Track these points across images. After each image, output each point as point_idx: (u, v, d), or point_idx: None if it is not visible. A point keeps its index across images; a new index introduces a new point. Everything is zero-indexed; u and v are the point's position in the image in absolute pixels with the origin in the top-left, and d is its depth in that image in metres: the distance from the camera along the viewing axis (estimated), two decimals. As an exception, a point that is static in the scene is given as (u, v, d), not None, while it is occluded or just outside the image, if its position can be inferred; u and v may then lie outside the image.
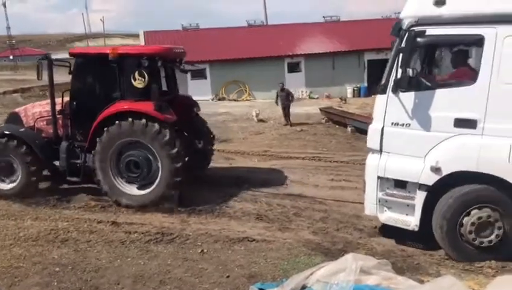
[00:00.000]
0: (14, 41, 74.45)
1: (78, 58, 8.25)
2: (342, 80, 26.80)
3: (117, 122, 7.48)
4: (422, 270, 5.23)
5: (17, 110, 9.16)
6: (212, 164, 10.45)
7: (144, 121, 7.38)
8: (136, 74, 7.65)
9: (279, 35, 28.64)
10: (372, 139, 5.89)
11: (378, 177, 5.80)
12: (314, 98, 26.58)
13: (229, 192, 8.44)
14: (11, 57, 69.18)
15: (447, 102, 5.39)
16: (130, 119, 7.42)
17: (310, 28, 29.79)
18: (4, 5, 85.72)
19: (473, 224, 5.27)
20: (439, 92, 5.45)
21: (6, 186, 8.25)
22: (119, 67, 7.78)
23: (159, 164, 7.54)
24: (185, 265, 5.51)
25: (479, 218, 5.26)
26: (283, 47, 27.95)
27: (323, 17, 31.37)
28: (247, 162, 11.08)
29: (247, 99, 26.90)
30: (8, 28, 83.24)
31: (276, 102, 17.98)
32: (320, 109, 19.00)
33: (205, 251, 5.89)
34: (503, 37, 5.05)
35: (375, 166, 5.82)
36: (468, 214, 5.31)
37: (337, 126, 16.42)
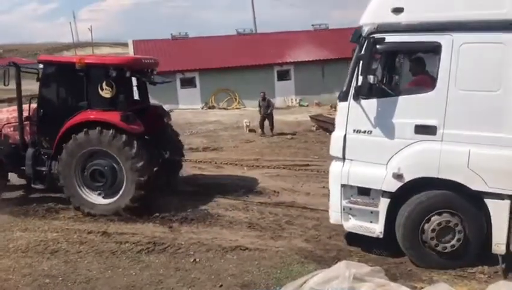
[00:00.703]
0: (1, 51, 73.75)
1: (46, 66, 8.20)
2: (331, 88, 26.79)
3: (81, 132, 7.50)
4: (415, 276, 5.25)
5: None
6: (203, 173, 10.43)
7: (110, 131, 7.43)
8: (104, 84, 7.69)
9: (268, 43, 28.76)
10: (334, 146, 5.89)
11: (342, 185, 5.79)
12: (304, 106, 26.67)
13: (221, 201, 8.41)
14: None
15: (407, 109, 5.44)
16: (96, 128, 7.45)
17: (299, 36, 29.96)
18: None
19: (433, 230, 5.32)
20: (400, 99, 5.50)
21: None
22: (86, 77, 7.79)
23: (124, 174, 7.55)
24: (177, 275, 5.47)
25: (439, 224, 5.31)
26: (272, 55, 28.06)
27: (312, 25, 31.62)
28: (238, 171, 11.05)
29: (237, 108, 26.91)
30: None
31: (260, 111, 17.67)
32: (311, 117, 19.07)
33: (197, 260, 5.86)
34: (459, 44, 5.13)
35: (338, 174, 5.81)
36: (429, 220, 5.36)
37: (327, 133, 16.41)
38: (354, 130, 5.68)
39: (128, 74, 7.92)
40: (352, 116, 5.66)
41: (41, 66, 8.17)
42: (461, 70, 5.13)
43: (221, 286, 5.17)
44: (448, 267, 5.39)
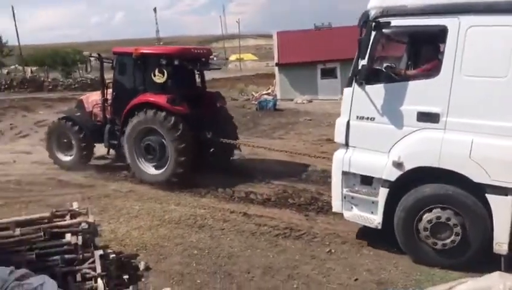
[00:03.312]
0: (161, 43, 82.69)
1: (116, 56, 9.85)
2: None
3: (138, 112, 8.91)
4: None
5: (82, 97, 11.11)
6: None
7: (156, 111, 8.68)
8: (156, 70, 8.96)
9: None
10: (338, 133, 5.78)
11: (344, 173, 5.71)
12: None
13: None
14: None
15: (410, 95, 5.22)
16: (146, 109, 8.79)
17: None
18: (154, 10, 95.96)
19: (428, 225, 5.16)
20: (404, 85, 5.29)
21: (65, 158, 10.33)
22: (143, 65, 9.20)
23: (169, 148, 8.70)
24: (312, 263, 5.56)
25: (436, 219, 5.13)
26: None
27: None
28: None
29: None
30: (157, 31, 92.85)
31: None
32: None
33: (333, 251, 5.86)
34: (466, 28, 4.85)
35: (340, 161, 5.73)
36: (425, 214, 5.19)
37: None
38: (358, 117, 5.58)
39: (176, 62, 8.87)
40: (356, 102, 5.57)
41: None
42: (467, 55, 4.86)
43: (356, 279, 5.11)
44: (445, 265, 5.18)
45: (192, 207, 7.61)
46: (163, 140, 8.82)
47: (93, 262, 4.77)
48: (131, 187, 8.92)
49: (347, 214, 5.87)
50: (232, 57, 75.85)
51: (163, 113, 8.63)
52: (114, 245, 5.93)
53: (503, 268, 4.93)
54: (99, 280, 4.50)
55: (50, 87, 32.06)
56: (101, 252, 4.98)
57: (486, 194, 4.84)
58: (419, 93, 5.22)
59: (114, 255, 5.14)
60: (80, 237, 5.04)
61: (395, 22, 5.26)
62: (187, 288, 4.99)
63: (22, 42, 44.57)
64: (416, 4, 5.13)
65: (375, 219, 5.54)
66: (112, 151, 10.48)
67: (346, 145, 5.75)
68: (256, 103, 21.89)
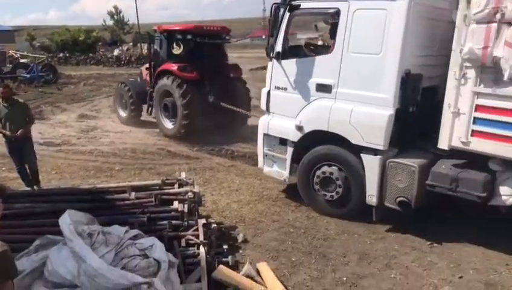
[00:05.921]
0: (262, 23, 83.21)
1: (155, 33, 12.34)
2: None
3: (159, 78, 11.19)
4: None
5: (141, 67, 14.37)
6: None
7: (169, 76, 10.82)
8: (174, 44, 11.12)
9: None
10: (262, 101, 6.97)
11: (264, 135, 6.91)
12: None
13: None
14: (263, 37, 77.85)
15: (313, 69, 6.22)
16: (164, 75, 10.98)
17: None
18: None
19: (318, 179, 6.28)
20: (309, 60, 6.33)
21: (123, 114, 12.97)
22: (166, 39, 11.47)
23: (178, 104, 10.63)
24: (412, 254, 5.33)
25: (323, 173, 6.20)
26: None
27: None
28: None
29: None
30: (264, 10, 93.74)
31: None
32: None
33: (435, 244, 5.55)
34: (353, 10, 5.74)
35: (262, 124, 6.96)
36: (317, 170, 6.29)
37: None
38: (275, 87, 6.71)
39: (189, 37, 10.94)
40: (274, 74, 6.67)
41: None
42: (353, 35, 5.76)
43: (460, 277, 4.79)
44: (334, 214, 6.28)
45: (290, 186, 7.67)
46: (175, 100, 10.73)
47: (197, 230, 5.09)
48: (232, 162, 9.26)
49: (266, 170, 7.08)
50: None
51: (173, 77, 10.69)
52: (215, 216, 6.26)
53: (374, 218, 5.90)
54: (201, 247, 4.79)
55: (163, 63, 34.39)
56: (204, 221, 5.29)
57: (361, 154, 5.84)
58: (318, 68, 6.18)
59: (215, 225, 5.43)
60: (186, 205, 5.39)
61: (304, 4, 6.31)
62: (282, 265, 5.08)
63: (141, 21, 47.73)
64: None
65: (284, 174, 6.72)
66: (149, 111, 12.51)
67: (268, 111, 6.90)
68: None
